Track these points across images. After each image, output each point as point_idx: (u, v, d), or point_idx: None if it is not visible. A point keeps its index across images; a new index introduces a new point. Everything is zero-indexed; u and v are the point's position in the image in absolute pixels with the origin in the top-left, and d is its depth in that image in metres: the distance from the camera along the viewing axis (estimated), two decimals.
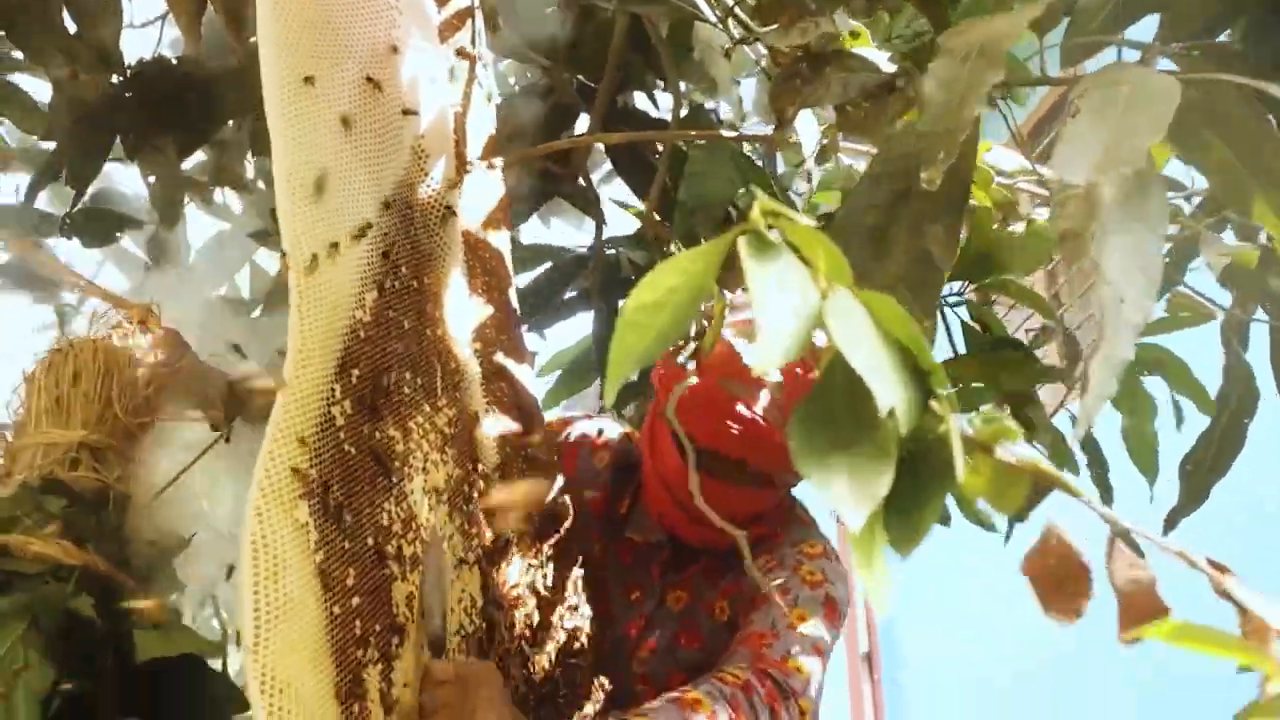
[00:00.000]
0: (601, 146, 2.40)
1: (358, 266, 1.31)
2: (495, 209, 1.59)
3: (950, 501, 2.19)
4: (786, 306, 0.66)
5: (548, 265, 2.42)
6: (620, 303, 2.37)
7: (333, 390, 1.23)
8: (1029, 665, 4.58)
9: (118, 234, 2.45)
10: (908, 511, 0.70)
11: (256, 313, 2.57)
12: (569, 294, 2.43)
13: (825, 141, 1.42)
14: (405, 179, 1.43)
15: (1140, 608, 0.74)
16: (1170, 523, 1.82)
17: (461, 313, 1.48)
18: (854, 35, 1.44)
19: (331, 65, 1.35)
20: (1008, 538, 2.03)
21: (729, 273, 1.56)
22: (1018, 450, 0.73)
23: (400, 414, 1.33)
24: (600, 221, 2.39)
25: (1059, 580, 0.66)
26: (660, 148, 2.10)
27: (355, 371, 1.27)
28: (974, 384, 1.72)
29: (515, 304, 1.62)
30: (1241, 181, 1.17)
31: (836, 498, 0.65)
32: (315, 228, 1.25)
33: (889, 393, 0.66)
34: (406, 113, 1.43)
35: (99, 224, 2.40)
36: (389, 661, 1.23)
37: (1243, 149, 1.15)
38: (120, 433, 1.67)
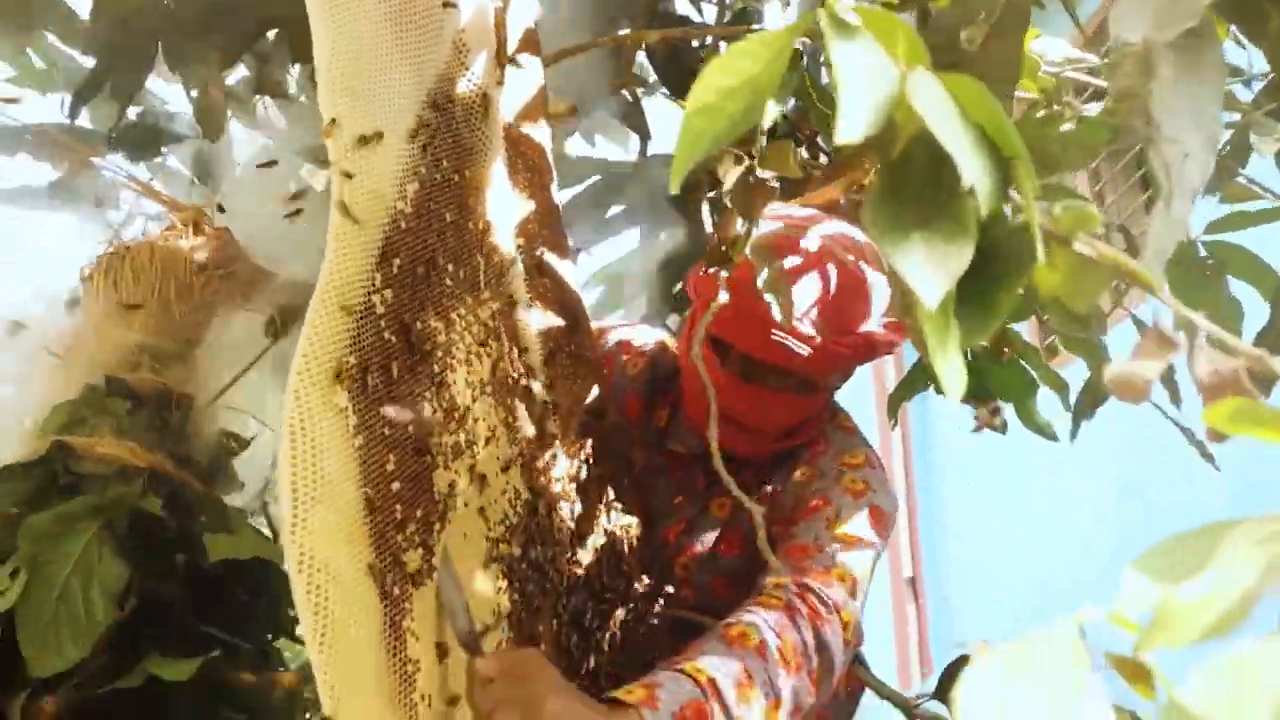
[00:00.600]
0: (647, 61, 2.37)
1: (399, 157, 1.30)
2: (535, 102, 1.57)
3: (1010, 412, 2.14)
4: (868, 79, 0.63)
5: (594, 179, 2.39)
6: (664, 220, 2.35)
7: (373, 278, 1.22)
8: (1072, 590, 4.56)
9: (162, 149, 2.45)
10: (982, 299, 0.67)
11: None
12: (614, 210, 2.41)
13: None
14: (446, 72, 1.41)
15: (1225, 395, 0.70)
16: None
17: (504, 207, 1.47)
18: None
19: None
20: (1073, 435, 2.00)
21: (753, 198, 1.53)
22: (1097, 244, 0.69)
23: (442, 305, 1.33)
24: (645, 136, 2.36)
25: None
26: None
27: (396, 261, 1.26)
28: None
29: (557, 200, 1.60)
30: None
31: (914, 270, 0.62)
32: (356, 112, 1.24)
33: (973, 168, 0.63)
34: (447, 5, 1.41)
35: (143, 139, 2.40)
36: (429, 547, 1.23)
37: None
38: (179, 334, 1.69)
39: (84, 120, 2.42)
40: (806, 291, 1.53)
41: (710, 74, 0.62)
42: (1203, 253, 1.68)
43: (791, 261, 1.53)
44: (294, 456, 1.08)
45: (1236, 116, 1.66)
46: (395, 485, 1.19)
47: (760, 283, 1.45)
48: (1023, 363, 2.19)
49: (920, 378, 2.29)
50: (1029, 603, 4.91)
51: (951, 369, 0.62)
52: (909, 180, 0.63)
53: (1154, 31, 0.90)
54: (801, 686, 1.36)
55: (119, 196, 2.39)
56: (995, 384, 2.21)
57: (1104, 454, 4.14)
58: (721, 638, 1.33)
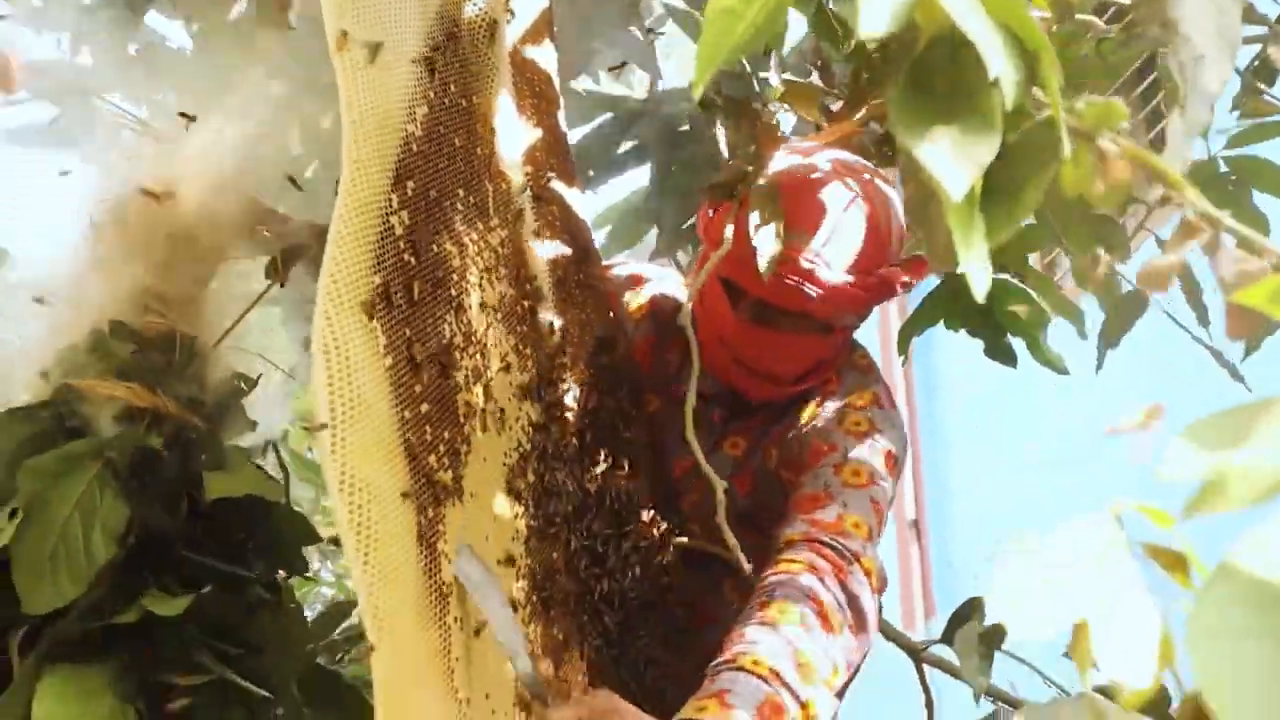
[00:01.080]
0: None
1: (407, 80, 1.30)
2: (540, 27, 1.57)
3: (1020, 347, 2.13)
4: None
5: (605, 117, 2.37)
6: (676, 155, 2.33)
7: (390, 200, 1.23)
8: None
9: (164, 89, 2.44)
10: (1007, 194, 0.67)
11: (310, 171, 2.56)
12: (624, 148, 2.39)
13: None
14: None
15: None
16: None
17: (511, 134, 1.47)
18: None
19: None
20: (1099, 365, 2.01)
21: (761, 140, 1.52)
22: (1121, 140, 0.69)
23: (455, 230, 1.33)
24: (655, 74, 2.35)
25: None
26: None
27: (410, 184, 1.27)
28: None
29: (564, 127, 1.60)
30: None
31: (939, 162, 0.62)
32: (363, 27, 1.24)
33: (998, 59, 0.63)
34: None
35: (143, 75, 2.39)
36: (457, 469, 1.24)
37: None
38: (185, 277, 1.69)
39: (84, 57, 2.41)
40: (822, 232, 1.50)
41: None
42: (1224, 169, 1.68)
43: (806, 201, 1.51)
44: (330, 377, 1.09)
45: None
46: (424, 406, 1.21)
47: (766, 225, 1.44)
48: (1033, 294, 2.20)
49: (931, 312, 2.29)
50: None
51: (977, 264, 0.63)
52: (933, 77, 0.63)
53: None
54: (848, 644, 1.36)
55: (120, 136, 2.39)
56: (1004, 316, 2.22)
57: (1113, 395, 4.15)
58: (761, 622, 1.32)
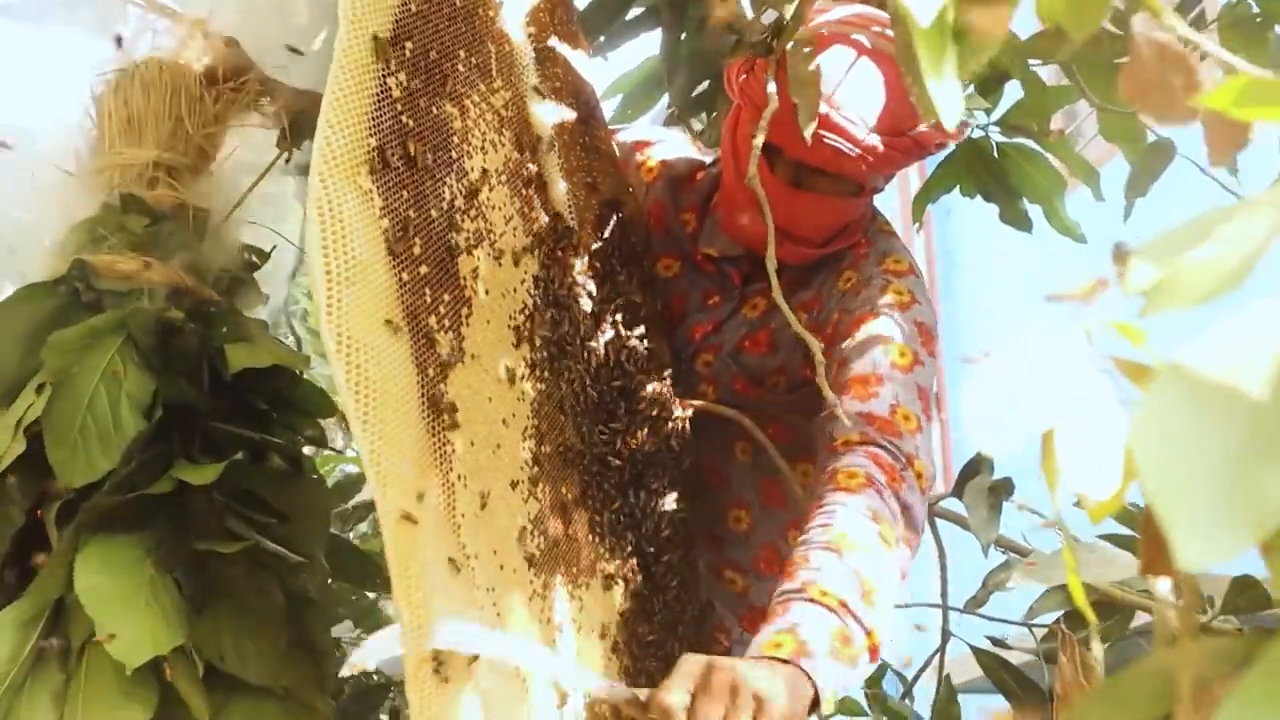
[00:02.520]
0: None
1: None
2: None
3: (1038, 215, 2.12)
4: None
5: None
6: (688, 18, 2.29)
7: (387, 61, 1.22)
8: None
9: None
10: (977, 24, 0.66)
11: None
12: (635, 11, 2.34)
13: None
14: None
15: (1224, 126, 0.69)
16: None
17: None
18: None
19: None
20: (1126, 215, 2.00)
21: None
22: None
23: (456, 91, 1.33)
24: None
25: (1160, 83, 0.63)
26: None
27: (408, 44, 1.26)
28: None
29: None
30: None
31: None
32: None
33: None
34: None
35: None
36: (459, 330, 1.25)
37: None
38: (193, 149, 1.69)
39: None
40: (856, 91, 1.48)
41: None
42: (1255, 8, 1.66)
43: (838, 59, 1.48)
44: (324, 239, 1.09)
45: None
46: (423, 269, 1.21)
47: (807, 83, 1.40)
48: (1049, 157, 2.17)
49: (946, 178, 2.27)
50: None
51: (946, 93, 0.62)
52: None
53: None
54: (903, 556, 1.37)
55: (126, 12, 2.36)
56: (1021, 182, 2.20)
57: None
58: (826, 547, 1.31)
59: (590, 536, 1.44)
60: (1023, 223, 2.23)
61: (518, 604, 1.26)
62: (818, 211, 1.57)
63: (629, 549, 1.50)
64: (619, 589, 1.48)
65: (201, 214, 1.68)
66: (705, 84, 2.25)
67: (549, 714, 1.25)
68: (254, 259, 1.79)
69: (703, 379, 1.69)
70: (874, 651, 1.28)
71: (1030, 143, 2.19)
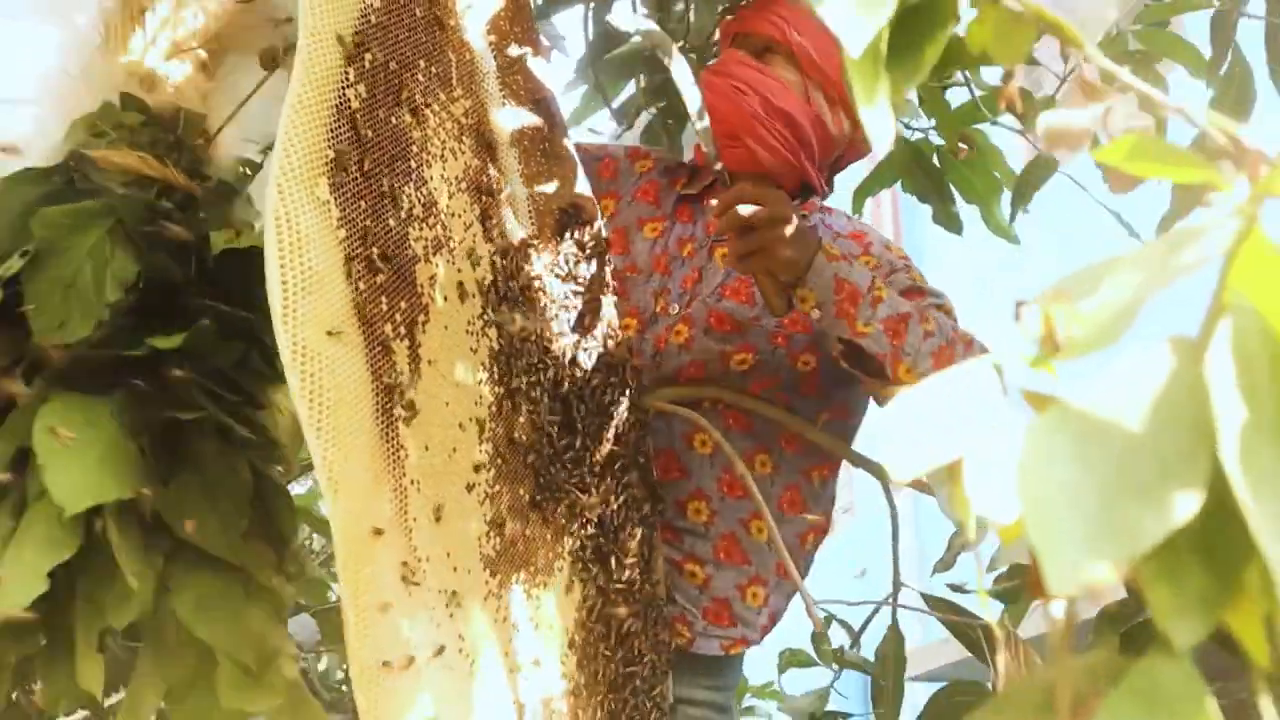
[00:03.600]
0: None
1: None
2: None
3: (975, 213, 2.21)
4: None
5: None
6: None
7: (346, 73, 1.24)
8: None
9: None
10: (909, 50, 0.69)
11: None
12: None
13: None
14: None
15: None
16: None
17: (474, 4, 1.47)
18: None
19: None
20: (1011, 219, 2.09)
21: None
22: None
23: (415, 101, 1.35)
24: None
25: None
26: None
27: (368, 55, 1.28)
28: None
29: None
30: None
31: (838, 18, 0.64)
32: None
33: None
34: None
35: None
36: (414, 337, 1.28)
37: None
38: (194, 60, 1.72)
39: None
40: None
41: None
42: (1133, 45, 1.71)
43: None
44: (280, 249, 1.12)
45: None
46: (380, 277, 1.23)
47: None
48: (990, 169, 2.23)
49: (887, 173, 2.33)
50: None
51: (878, 119, 0.65)
52: None
53: None
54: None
55: None
56: (960, 183, 2.26)
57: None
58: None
59: (548, 536, 1.47)
60: (953, 224, 2.29)
61: (473, 605, 1.29)
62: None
63: (588, 547, 1.53)
64: (578, 588, 1.51)
65: (197, 118, 1.71)
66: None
67: (499, 702, 1.28)
68: (246, 171, 1.82)
69: (681, 320, 1.76)
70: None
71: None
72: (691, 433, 1.73)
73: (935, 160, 2.27)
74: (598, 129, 2.59)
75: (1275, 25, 1.67)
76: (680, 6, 2.24)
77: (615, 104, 2.33)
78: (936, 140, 2.28)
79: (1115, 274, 0.49)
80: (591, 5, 2.24)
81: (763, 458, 1.75)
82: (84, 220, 1.43)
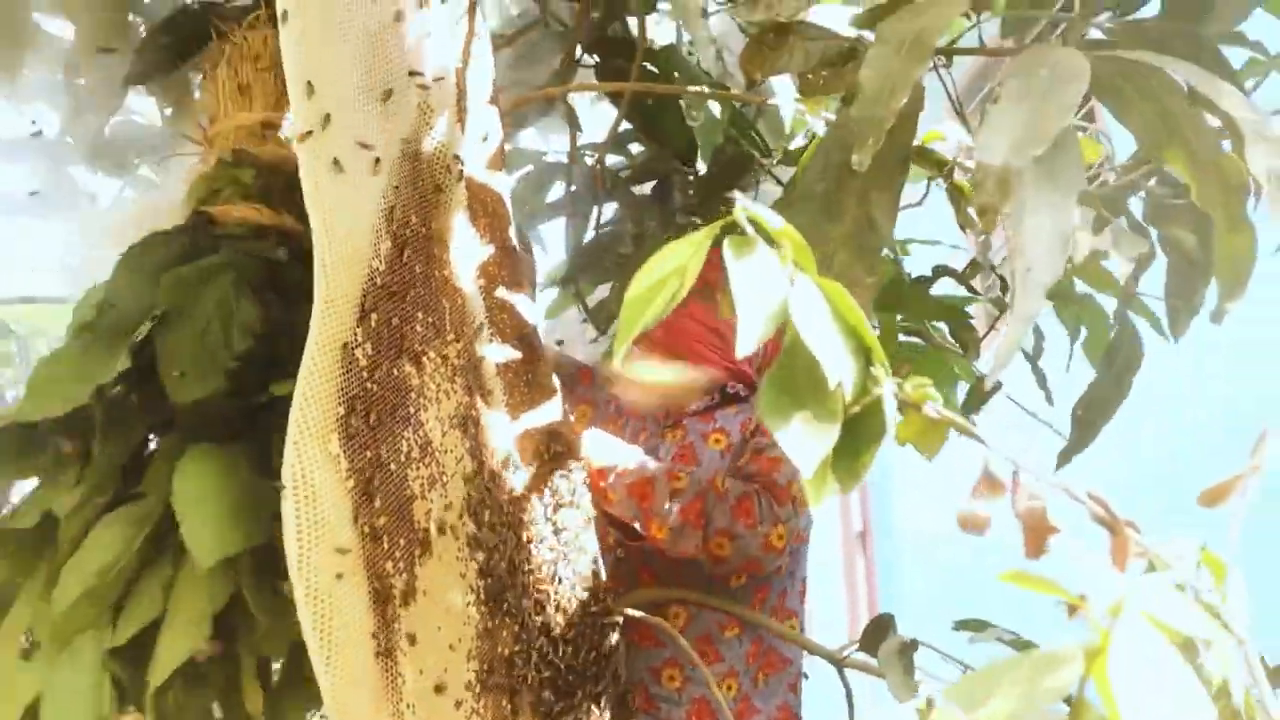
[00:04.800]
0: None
1: (372, 221, 1.47)
2: (495, 154, 1.74)
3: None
4: (761, 299, 0.81)
5: (527, 169, 2.55)
6: (595, 210, 2.51)
7: (355, 334, 1.40)
8: (1013, 551, 4.80)
9: (136, 161, 2.58)
10: (851, 458, 0.86)
11: None
12: (550, 199, 2.56)
13: (798, 100, 1.55)
14: (412, 135, 1.58)
15: (1036, 530, 0.91)
16: (1062, 460, 1.99)
17: (466, 253, 1.64)
18: None
19: (340, 37, 1.49)
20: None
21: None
22: (939, 408, 0.90)
23: (414, 351, 1.50)
24: (575, 128, 2.51)
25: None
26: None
27: (374, 316, 1.43)
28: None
29: (515, 240, 1.77)
30: (1158, 136, 1.30)
31: (794, 450, 0.81)
32: (335, 194, 1.41)
33: (838, 369, 0.82)
34: (412, 74, 1.57)
35: (118, 152, 2.53)
36: (412, 572, 1.41)
37: (1156, 108, 1.29)
38: None
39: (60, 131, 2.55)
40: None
41: (644, 272, 0.80)
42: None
43: None
44: (297, 504, 1.27)
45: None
46: (382, 520, 1.37)
47: None
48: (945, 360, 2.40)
49: None
50: (974, 560, 5.16)
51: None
52: (794, 373, 0.81)
53: (1011, 155, 1.08)
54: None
55: (96, 205, 2.55)
56: (916, 373, 2.42)
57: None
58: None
59: None
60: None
61: None
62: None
63: None
64: None
65: None
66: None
67: None
68: None
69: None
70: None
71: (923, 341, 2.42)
72: (666, 605, 1.94)
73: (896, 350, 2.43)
74: None
75: None
76: None
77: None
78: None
79: (999, 693, 0.64)
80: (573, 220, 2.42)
81: (733, 625, 1.97)
82: (208, 276, 1.58)
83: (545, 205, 2.56)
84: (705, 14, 1.49)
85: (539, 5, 2.39)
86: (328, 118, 1.44)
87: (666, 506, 1.84)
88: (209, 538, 1.38)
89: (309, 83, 1.43)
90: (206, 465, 1.44)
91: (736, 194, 2.09)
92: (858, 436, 0.83)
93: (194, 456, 1.45)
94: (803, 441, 0.78)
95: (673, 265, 0.82)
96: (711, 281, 1.93)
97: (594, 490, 1.84)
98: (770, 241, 0.86)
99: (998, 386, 2.16)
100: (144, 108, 2.61)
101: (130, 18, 2.30)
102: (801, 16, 1.39)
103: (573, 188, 2.51)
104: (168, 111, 2.44)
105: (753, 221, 0.84)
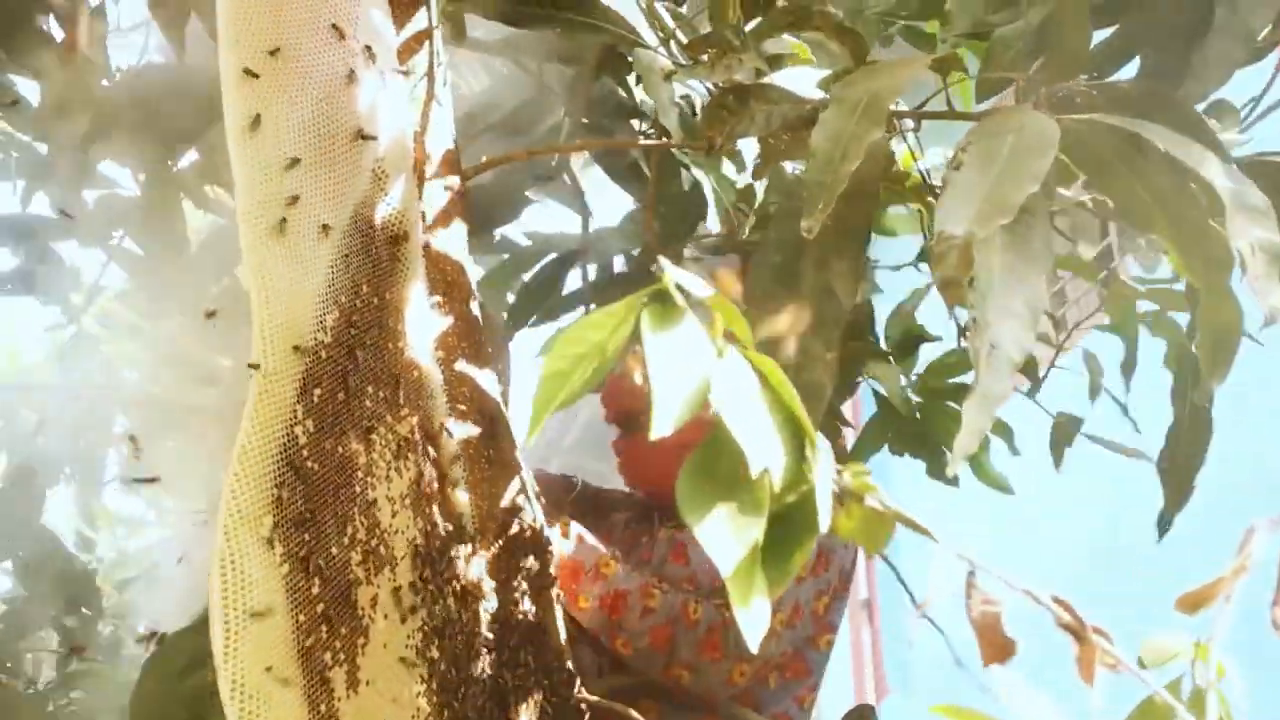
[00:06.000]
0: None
1: (317, 290, 1.40)
2: (455, 219, 1.68)
3: (965, 468, 2.32)
4: (680, 376, 0.74)
5: (547, 260, 2.48)
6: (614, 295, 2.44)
7: (295, 411, 1.33)
8: (1020, 617, 4.69)
9: (115, 232, 2.54)
10: (780, 555, 0.79)
11: None
12: (566, 290, 2.50)
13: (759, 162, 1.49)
14: (365, 200, 1.51)
15: (992, 639, 0.84)
16: (1163, 526, 1.88)
17: (423, 324, 1.57)
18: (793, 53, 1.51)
19: (289, 100, 1.43)
20: (1057, 464, 2.19)
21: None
22: (882, 499, 0.82)
23: (362, 426, 1.42)
24: (586, 214, 2.46)
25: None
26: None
27: (317, 391, 1.36)
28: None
29: (477, 311, 1.70)
30: (1144, 209, 1.23)
31: (712, 545, 0.74)
32: (277, 264, 1.34)
33: (762, 456, 0.74)
34: (365, 138, 1.51)
35: (97, 223, 2.49)
36: (353, 662, 1.33)
37: (1141, 179, 1.22)
38: None
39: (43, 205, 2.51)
40: None
41: (562, 344, 0.73)
42: None
43: None
44: (224, 591, 1.19)
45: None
46: (320, 607, 1.29)
47: None
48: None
49: (874, 438, 2.42)
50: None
51: (755, 617, 0.73)
52: (718, 458, 0.74)
53: (975, 226, 1.01)
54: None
55: (79, 278, 2.51)
56: (943, 437, 2.33)
57: (1062, 494, 4.27)
58: None
59: None
60: (948, 479, 2.36)
61: None
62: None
63: None
64: None
65: None
66: None
67: None
68: None
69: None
70: None
71: (950, 403, 2.34)
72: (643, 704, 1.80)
73: (917, 415, 2.35)
74: None
75: None
76: None
77: None
78: (916, 398, 2.36)
79: None
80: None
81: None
82: None
83: (564, 298, 2.48)
84: (669, 76, 1.43)
85: (527, 69, 2.34)
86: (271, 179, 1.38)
87: (637, 626, 1.77)
88: None
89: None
90: None
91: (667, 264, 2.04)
92: (789, 530, 0.75)
93: None
94: (722, 536, 0.70)
95: (594, 339, 0.75)
96: None
97: (564, 589, 1.77)
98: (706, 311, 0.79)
99: (1078, 424, 2.09)
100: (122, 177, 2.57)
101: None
102: (765, 79, 1.33)
103: (590, 278, 2.45)
104: (141, 178, 2.40)
105: (681, 290, 0.77)
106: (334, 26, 1.51)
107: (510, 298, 2.46)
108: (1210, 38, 1.28)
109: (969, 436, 0.98)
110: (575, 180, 2.44)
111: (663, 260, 0.76)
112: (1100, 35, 1.41)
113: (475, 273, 1.77)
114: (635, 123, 2.21)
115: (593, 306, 2.48)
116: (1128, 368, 2.04)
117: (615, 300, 2.36)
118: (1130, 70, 1.37)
